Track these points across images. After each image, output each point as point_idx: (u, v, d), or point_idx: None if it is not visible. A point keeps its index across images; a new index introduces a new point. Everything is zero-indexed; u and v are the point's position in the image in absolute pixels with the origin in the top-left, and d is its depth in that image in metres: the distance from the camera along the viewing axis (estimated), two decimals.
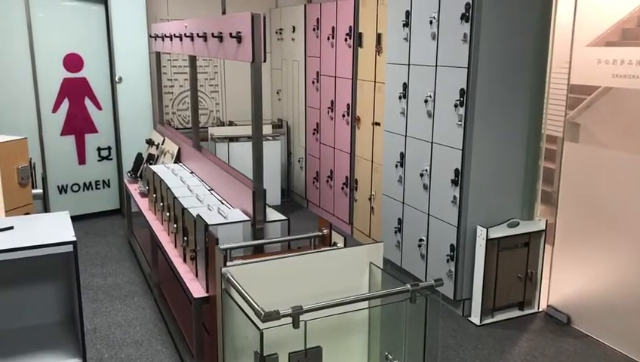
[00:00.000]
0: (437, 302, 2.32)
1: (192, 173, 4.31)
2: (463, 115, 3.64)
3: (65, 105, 5.60)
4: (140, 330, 3.72)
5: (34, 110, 5.43)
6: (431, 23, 3.84)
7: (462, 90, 3.62)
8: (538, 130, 3.86)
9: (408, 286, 2.22)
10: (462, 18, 3.56)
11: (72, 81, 5.59)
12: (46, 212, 5.23)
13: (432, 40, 3.86)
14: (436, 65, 3.84)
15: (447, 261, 3.87)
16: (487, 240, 3.69)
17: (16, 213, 2.89)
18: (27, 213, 3.11)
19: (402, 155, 4.26)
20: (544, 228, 3.87)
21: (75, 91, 5.62)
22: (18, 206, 3.03)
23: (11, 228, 2.34)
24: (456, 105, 3.67)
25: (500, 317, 3.87)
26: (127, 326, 3.77)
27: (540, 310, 3.97)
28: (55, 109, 5.57)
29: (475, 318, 3.82)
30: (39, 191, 3.38)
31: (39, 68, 5.39)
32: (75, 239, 2.21)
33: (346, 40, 5.19)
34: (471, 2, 3.49)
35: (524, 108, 3.78)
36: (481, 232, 3.71)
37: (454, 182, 3.75)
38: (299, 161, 6.46)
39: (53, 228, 2.36)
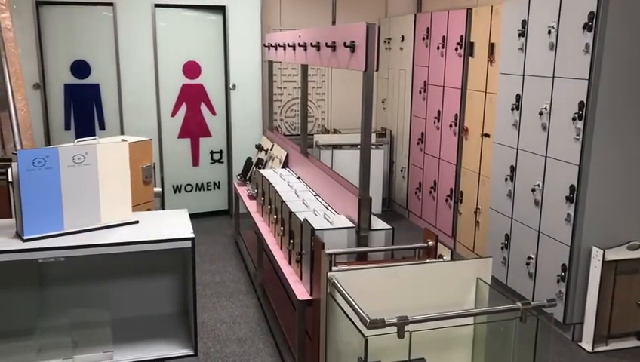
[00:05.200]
0: (548, 324, 2.22)
1: (298, 178, 4.42)
2: (582, 129, 3.45)
3: (183, 109, 5.95)
4: (243, 328, 3.86)
5: (155, 114, 5.82)
6: (549, 32, 3.69)
7: (581, 102, 3.44)
8: None
9: (519, 304, 2.15)
10: (584, 27, 3.39)
11: (190, 87, 5.94)
12: (163, 209, 5.58)
13: (549, 50, 3.71)
14: (553, 77, 3.68)
15: (558, 281, 3.69)
16: (604, 262, 3.47)
17: (139, 209, 3.11)
18: (149, 210, 3.34)
19: (513, 169, 4.11)
20: None
21: (192, 97, 5.96)
22: (142, 202, 3.26)
23: (137, 222, 2.53)
24: (574, 119, 3.50)
25: (614, 345, 3.62)
26: (231, 322, 3.93)
27: None
28: (174, 113, 5.93)
29: (587, 344, 3.59)
30: (159, 189, 3.63)
31: (161, 74, 5.77)
32: (193, 236, 2.35)
33: (456, 49, 5.10)
34: (595, 11, 3.32)
35: None
36: (596, 253, 3.50)
37: (569, 199, 3.57)
38: (401, 171, 6.42)
39: (173, 225, 2.52)
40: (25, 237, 2.25)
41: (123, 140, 2.74)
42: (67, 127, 5.63)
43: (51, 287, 2.58)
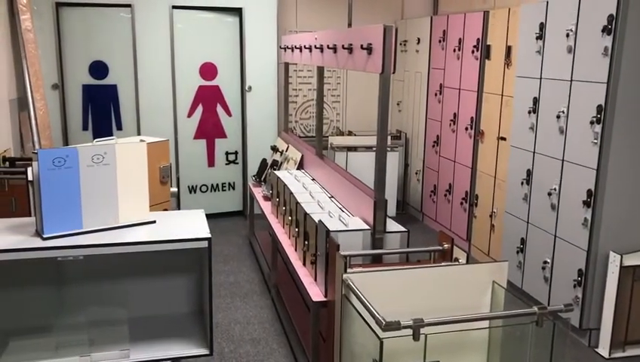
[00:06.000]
0: (564, 329, 2.20)
1: (313, 179, 4.43)
2: (600, 133, 3.43)
3: (199, 111, 5.99)
4: (257, 328, 3.87)
5: (171, 115, 5.86)
6: (567, 35, 3.67)
7: (599, 106, 3.42)
8: None
9: (535, 308, 2.14)
10: (603, 30, 3.37)
11: (206, 89, 5.97)
12: (178, 210, 5.62)
13: (567, 53, 3.68)
14: (571, 80, 3.66)
15: (574, 286, 3.65)
16: (621, 267, 3.43)
17: (156, 209, 3.13)
18: (165, 210, 3.36)
19: (529, 172, 4.09)
20: None
21: (208, 98, 6.00)
22: (158, 202, 3.29)
23: (154, 222, 2.55)
24: (592, 122, 3.47)
25: (632, 351, 3.58)
26: (245, 323, 3.94)
27: None
28: (190, 114, 5.97)
29: (604, 350, 3.56)
30: (175, 189, 3.65)
31: (178, 76, 5.81)
32: (210, 236, 2.36)
33: (472, 52, 5.08)
34: (614, 14, 3.29)
35: None
36: (614, 258, 3.47)
37: (586, 204, 3.54)
38: (416, 174, 6.40)
39: (190, 225, 2.54)
40: (44, 236, 2.28)
41: (141, 140, 2.76)
42: (85, 127, 5.70)
43: (69, 285, 2.61)
